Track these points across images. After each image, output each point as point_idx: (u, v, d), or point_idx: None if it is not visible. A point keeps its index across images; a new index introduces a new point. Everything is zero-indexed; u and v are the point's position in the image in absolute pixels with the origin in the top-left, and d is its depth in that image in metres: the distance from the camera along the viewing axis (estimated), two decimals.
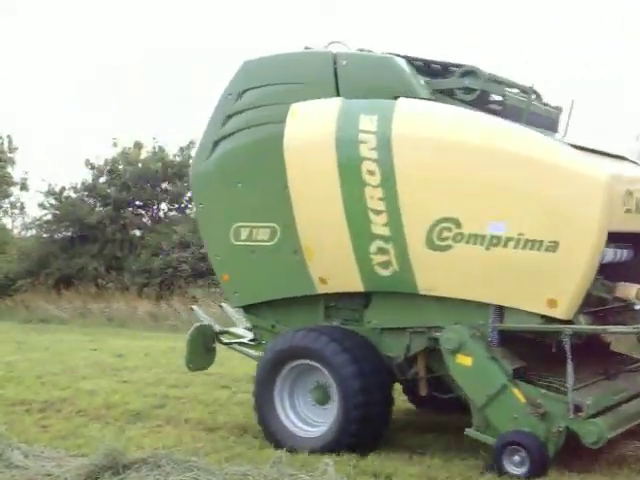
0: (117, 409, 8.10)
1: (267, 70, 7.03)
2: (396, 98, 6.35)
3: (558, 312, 5.85)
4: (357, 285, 6.58)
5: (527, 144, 5.99)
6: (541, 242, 5.81)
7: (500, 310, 6.12)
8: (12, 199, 26.19)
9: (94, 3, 40.20)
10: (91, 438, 6.81)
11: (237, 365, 10.15)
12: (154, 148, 22.36)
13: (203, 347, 7.54)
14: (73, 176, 25.04)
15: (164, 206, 22.83)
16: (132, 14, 39.07)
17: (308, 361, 6.56)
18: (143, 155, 22.35)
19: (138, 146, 22.37)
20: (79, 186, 22.39)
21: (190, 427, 7.40)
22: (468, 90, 6.54)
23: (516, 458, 5.69)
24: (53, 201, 22.38)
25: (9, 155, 25.36)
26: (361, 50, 6.95)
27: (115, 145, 22.34)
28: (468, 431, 6.11)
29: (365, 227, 6.37)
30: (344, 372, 6.34)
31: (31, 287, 21.23)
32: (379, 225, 6.31)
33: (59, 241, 22.28)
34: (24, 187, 25.66)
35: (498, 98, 6.77)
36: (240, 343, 7.63)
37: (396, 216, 6.22)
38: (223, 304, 8.38)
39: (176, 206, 22.76)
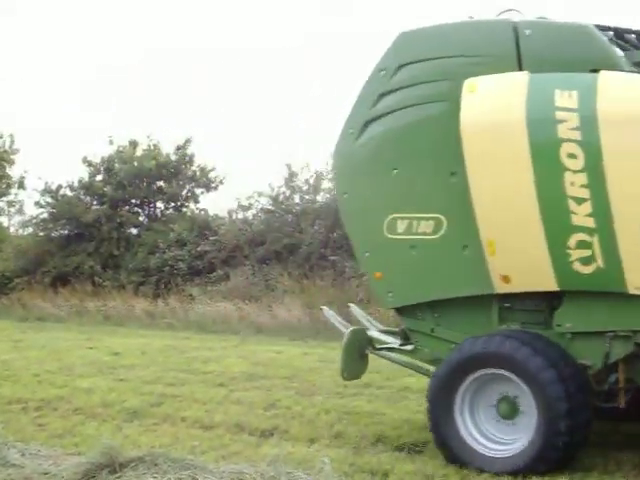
0: (114, 407, 8.06)
1: (429, 42, 6.34)
2: (593, 72, 5.62)
3: None
4: (549, 284, 5.79)
5: None
6: None
7: None
8: (10, 197, 26.09)
9: (94, 3, 40.07)
10: (88, 436, 6.77)
11: (233, 363, 10.14)
12: (149, 146, 22.27)
13: (358, 353, 6.86)
14: (71, 175, 24.96)
15: (160, 204, 22.72)
16: (132, 14, 38.94)
17: (498, 370, 5.80)
18: (138, 153, 22.24)
19: (133, 144, 22.24)
20: (75, 184, 22.30)
21: (187, 425, 7.35)
22: None
23: None
24: (50, 199, 22.25)
25: (12, 157, 25.22)
26: (541, 18, 6.19)
27: (111, 143, 22.25)
28: None
29: (563, 218, 5.58)
30: (544, 378, 5.58)
31: (27, 285, 21.13)
32: (581, 216, 5.53)
33: (55, 239, 22.13)
34: (21, 185, 25.55)
35: None
36: (391, 349, 6.91)
37: (604, 205, 5.45)
38: (351, 305, 7.81)
39: (172, 204, 22.65)
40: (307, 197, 19.29)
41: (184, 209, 22.37)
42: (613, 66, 5.71)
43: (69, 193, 22.36)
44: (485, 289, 6.04)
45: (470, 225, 5.94)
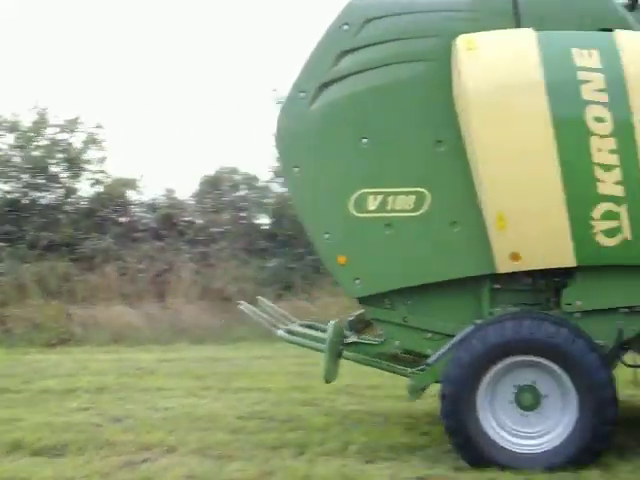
0: None
1: None
2: (603, 31, 5.31)
3: None
4: (567, 259, 5.26)
5: None
6: None
7: None
8: None
9: None
10: None
11: None
12: None
13: (337, 351, 5.98)
14: None
15: None
16: None
17: (531, 357, 5.22)
18: None
19: None
20: None
21: None
22: None
23: None
24: None
25: None
26: None
27: None
28: None
29: (588, 187, 5.12)
30: (589, 362, 5.09)
31: None
32: (609, 184, 5.10)
33: None
34: None
35: None
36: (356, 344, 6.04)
37: (634, 172, 5.09)
38: (242, 303, 6.87)
39: None
40: None
41: None
42: (623, 26, 5.39)
43: None
44: (483, 269, 5.47)
45: (461, 199, 5.44)
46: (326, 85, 5.63)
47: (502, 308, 5.61)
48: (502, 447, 5.22)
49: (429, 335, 5.76)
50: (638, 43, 5.29)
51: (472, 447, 5.22)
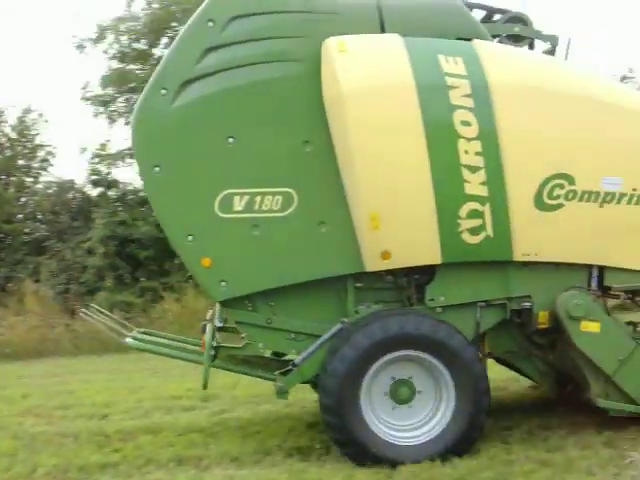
0: None
1: None
2: (458, 39, 5.63)
3: None
4: (433, 257, 5.48)
5: (634, 99, 5.88)
6: None
7: (600, 271, 5.80)
8: None
9: None
10: None
11: None
12: None
13: None
14: None
15: None
16: None
17: (412, 352, 5.40)
18: None
19: None
20: None
21: None
22: (518, 38, 6.06)
23: None
24: None
25: None
26: None
27: None
28: (601, 402, 5.72)
29: (456, 187, 5.36)
30: (468, 356, 5.39)
31: None
32: (475, 184, 5.37)
33: None
34: None
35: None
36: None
37: (497, 174, 5.39)
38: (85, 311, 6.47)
39: None
40: None
41: None
42: (477, 35, 5.74)
43: None
44: (350, 268, 5.57)
45: (328, 199, 5.49)
46: (190, 82, 5.43)
47: (367, 306, 5.75)
48: (385, 441, 5.36)
49: (292, 336, 5.74)
50: (496, 52, 5.71)
51: (360, 446, 5.31)
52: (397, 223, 5.42)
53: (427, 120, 5.32)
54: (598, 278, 5.84)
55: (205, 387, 5.81)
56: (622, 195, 5.65)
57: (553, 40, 6.35)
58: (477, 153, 5.37)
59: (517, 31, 6.10)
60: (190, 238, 5.49)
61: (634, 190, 5.67)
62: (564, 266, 5.73)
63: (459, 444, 5.39)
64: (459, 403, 5.38)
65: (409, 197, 5.40)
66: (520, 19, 6.17)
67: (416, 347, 5.40)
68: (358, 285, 5.73)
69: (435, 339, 5.39)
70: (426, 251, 5.51)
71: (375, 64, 5.41)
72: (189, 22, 5.58)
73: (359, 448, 5.31)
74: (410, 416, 5.51)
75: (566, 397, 6.38)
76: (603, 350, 5.69)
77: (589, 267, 5.82)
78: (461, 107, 5.36)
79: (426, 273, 5.71)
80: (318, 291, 5.67)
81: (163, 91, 5.43)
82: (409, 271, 5.70)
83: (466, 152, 5.36)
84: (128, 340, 6.11)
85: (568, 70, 6.04)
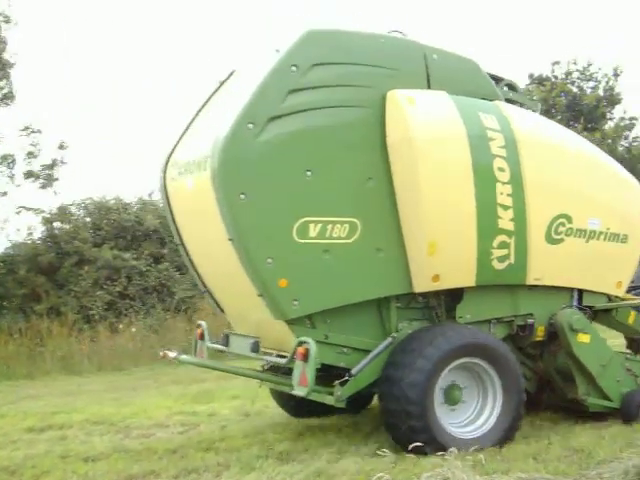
0: None
1: (345, 46, 6.31)
2: (482, 99, 6.80)
3: (621, 292, 7.53)
4: (470, 280, 6.54)
5: (611, 161, 7.63)
6: (618, 235, 7.29)
7: (580, 294, 7.26)
8: None
9: None
10: None
11: None
12: None
13: None
14: None
15: None
16: None
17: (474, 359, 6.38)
18: None
19: None
20: None
21: None
22: (510, 102, 7.15)
23: None
24: None
25: None
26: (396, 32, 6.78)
27: None
28: (590, 400, 7.10)
29: (492, 222, 6.49)
30: (510, 361, 6.50)
31: None
32: (506, 220, 6.53)
33: None
34: None
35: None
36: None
37: (522, 212, 6.61)
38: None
39: None
40: None
41: None
42: (495, 98, 7.00)
43: None
44: (401, 289, 6.42)
45: (385, 228, 6.29)
46: (274, 119, 5.97)
47: (407, 323, 6.61)
48: (454, 437, 6.21)
49: (344, 350, 6.41)
50: (518, 113, 7.01)
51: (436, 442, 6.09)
52: (448, 250, 6.37)
53: (475, 165, 6.41)
54: (578, 299, 7.27)
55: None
56: (600, 233, 7.14)
57: (535, 106, 7.75)
58: (508, 195, 6.54)
59: (511, 96, 7.38)
60: (269, 260, 5.98)
61: (607, 229, 7.19)
62: (554, 289, 7.07)
63: (510, 432, 6.43)
64: (506, 399, 6.43)
65: (459, 228, 6.41)
66: (512, 86, 7.48)
67: (474, 354, 6.36)
68: (398, 305, 6.57)
69: (490, 346, 6.45)
70: (465, 275, 6.54)
71: (437, 116, 6.40)
72: (275, 65, 6.10)
73: (439, 446, 6.04)
74: (461, 414, 6.46)
75: (545, 400, 7.67)
76: (591, 357, 7.06)
77: (571, 290, 7.21)
78: (498, 156, 6.52)
79: (452, 295, 6.71)
80: (366, 310, 6.44)
81: (250, 125, 5.91)
82: (438, 293, 6.65)
83: (501, 193, 6.51)
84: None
85: (568, 132, 7.63)
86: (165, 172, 7.02)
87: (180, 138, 7.00)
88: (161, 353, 6.83)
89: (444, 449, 5.96)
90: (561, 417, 7.42)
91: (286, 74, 6.07)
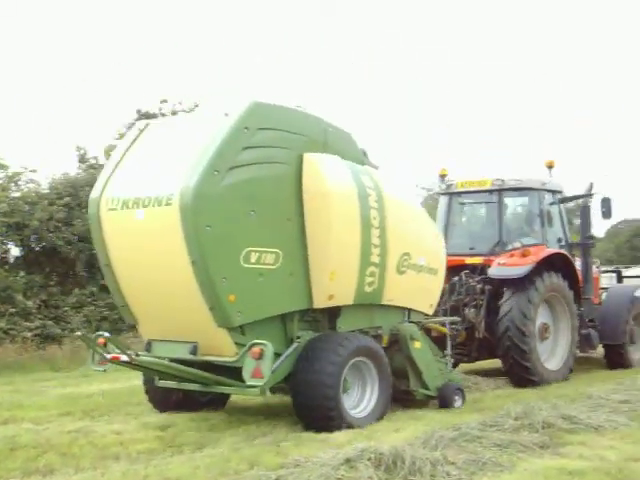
0: None
1: (277, 116, 8.21)
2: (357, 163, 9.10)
3: (431, 311, 10.15)
4: (350, 299, 8.72)
5: (424, 211, 10.36)
6: (432, 268, 9.47)
7: (409, 312, 9.63)
8: None
9: None
10: None
11: None
12: None
13: None
14: None
15: None
16: None
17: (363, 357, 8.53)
18: None
19: None
20: None
21: None
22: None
23: (457, 397, 9.64)
24: None
25: None
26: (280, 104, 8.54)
27: None
28: (418, 391, 9.46)
29: (368, 257, 8.75)
30: (385, 359, 8.83)
31: None
32: (375, 255, 8.84)
33: None
34: None
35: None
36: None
37: (385, 249, 8.95)
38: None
39: None
40: None
41: None
42: (363, 162, 9.34)
43: None
44: (306, 305, 8.45)
45: (297, 258, 8.25)
46: (233, 169, 7.72)
47: (305, 332, 8.54)
48: (352, 416, 8.32)
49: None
50: (380, 174, 9.37)
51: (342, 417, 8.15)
52: (342, 277, 8.56)
53: (362, 214, 8.70)
54: (408, 316, 9.79)
55: None
56: (424, 266, 9.71)
57: (375, 166, 9.97)
58: (378, 236, 8.91)
59: (364, 160, 9.60)
60: (224, 280, 7.65)
61: (428, 264, 9.78)
62: (396, 308, 9.53)
63: (384, 412, 8.71)
64: (381, 388, 8.67)
65: (350, 261, 8.62)
66: (364, 152, 9.67)
67: (364, 353, 8.54)
68: (298, 317, 8.52)
69: (374, 348, 8.73)
70: (349, 296, 8.75)
71: (340, 175, 8.61)
72: (232, 125, 7.77)
73: (340, 421, 8.09)
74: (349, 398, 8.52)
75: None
76: (421, 358, 9.56)
77: (404, 309, 9.70)
78: (373, 207, 8.85)
79: (330, 311, 8.81)
80: (275, 321, 8.30)
81: (215, 172, 7.60)
82: (324, 309, 8.69)
83: (374, 235, 8.83)
84: None
85: (405, 189, 10.35)
86: (99, 203, 8.26)
87: (110, 176, 8.38)
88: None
89: (342, 422, 8.10)
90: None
91: (241, 134, 7.83)
